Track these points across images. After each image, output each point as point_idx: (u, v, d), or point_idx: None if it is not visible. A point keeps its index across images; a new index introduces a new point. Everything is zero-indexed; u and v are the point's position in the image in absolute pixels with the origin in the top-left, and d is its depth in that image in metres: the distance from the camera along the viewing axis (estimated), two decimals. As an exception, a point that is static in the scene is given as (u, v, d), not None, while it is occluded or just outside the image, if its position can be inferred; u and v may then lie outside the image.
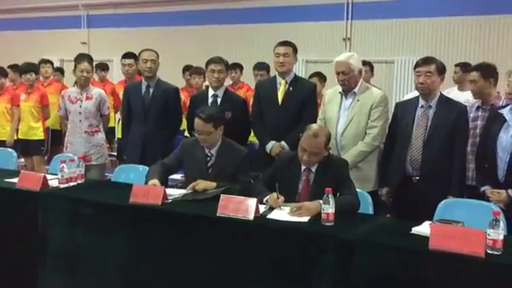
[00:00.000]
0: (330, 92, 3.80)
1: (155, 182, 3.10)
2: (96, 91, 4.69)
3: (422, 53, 6.24)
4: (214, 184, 3.12)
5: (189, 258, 2.73)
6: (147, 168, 3.70)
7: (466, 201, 3.13)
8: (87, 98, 4.60)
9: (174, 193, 3.09)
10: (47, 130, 5.85)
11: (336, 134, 3.55)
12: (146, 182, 3.17)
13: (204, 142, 3.28)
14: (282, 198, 2.82)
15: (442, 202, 2.98)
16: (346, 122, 3.54)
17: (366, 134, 3.51)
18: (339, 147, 3.52)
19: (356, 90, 3.57)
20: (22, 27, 9.91)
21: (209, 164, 3.32)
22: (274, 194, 2.83)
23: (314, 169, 3.00)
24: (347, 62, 3.52)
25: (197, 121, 3.24)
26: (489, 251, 2.11)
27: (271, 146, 3.85)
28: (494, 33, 6.45)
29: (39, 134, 5.66)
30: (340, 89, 3.63)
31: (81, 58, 4.71)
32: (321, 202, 2.60)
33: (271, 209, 2.78)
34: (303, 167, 3.02)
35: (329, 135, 3.01)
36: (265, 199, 2.87)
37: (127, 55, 5.23)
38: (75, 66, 4.59)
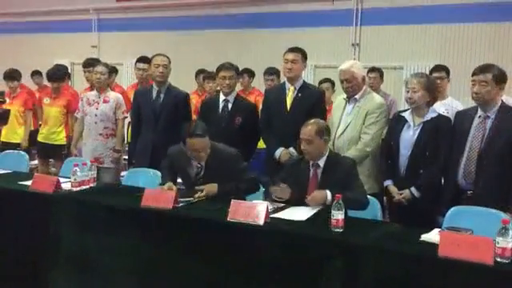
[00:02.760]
0: (338, 98, 3.93)
1: (170, 184, 3.22)
2: (113, 95, 4.74)
3: (431, 59, 6.30)
4: (215, 185, 3.18)
5: (199, 262, 2.75)
6: (158, 172, 3.75)
7: (474, 209, 3.11)
8: (104, 101, 4.66)
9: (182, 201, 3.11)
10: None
11: (334, 137, 3.64)
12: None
13: (202, 158, 3.25)
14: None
15: (451, 209, 2.98)
16: (344, 126, 3.64)
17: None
18: (335, 150, 3.56)
19: (357, 96, 3.65)
20: (32, 31, 9.98)
21: (199, 175, 3.33)
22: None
23: (321, 164, 3.10)
24: (350, 71, 3.62)
25: (194, 140, 3.15)
26: (497, 259, 2.12)
27: (279, 152, 3.86)
28: (505, 39, 6.43)
29: (61, 139, 5.56)
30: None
31: (96, 61, 4.82)
32: (328, 192, 2.87)
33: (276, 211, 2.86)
34: (311, 162, 3.13)
35: (321, 126, 3.12)
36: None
37: (142, 59, 5.21)
38: (90, 71, 4.66)
